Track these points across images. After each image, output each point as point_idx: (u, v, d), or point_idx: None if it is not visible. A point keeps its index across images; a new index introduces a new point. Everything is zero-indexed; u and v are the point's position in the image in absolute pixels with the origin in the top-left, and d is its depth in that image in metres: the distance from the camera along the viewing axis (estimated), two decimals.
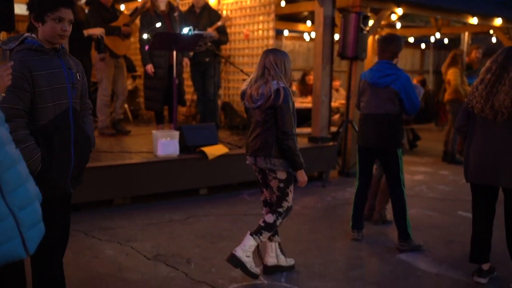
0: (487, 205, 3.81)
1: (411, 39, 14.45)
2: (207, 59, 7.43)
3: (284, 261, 3.95)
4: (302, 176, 3.71)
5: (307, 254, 4.36)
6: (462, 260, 4.27)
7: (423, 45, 15.67)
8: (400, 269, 4.10)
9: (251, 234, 3.74)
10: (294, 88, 9.95)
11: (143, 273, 3.87)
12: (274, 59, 3.62)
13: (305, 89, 9.74)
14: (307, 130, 7.85)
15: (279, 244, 3.97)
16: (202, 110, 7.81)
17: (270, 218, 3.75)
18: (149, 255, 4.23)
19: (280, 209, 3.75)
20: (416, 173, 7.77)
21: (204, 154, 6.00)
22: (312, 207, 5.87)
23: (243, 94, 3.75)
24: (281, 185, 3.72)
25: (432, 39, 13.80)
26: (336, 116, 9.26)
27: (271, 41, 7.79)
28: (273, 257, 3.91)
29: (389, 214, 5.36)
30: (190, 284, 3.70)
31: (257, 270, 3.77)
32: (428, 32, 12.58)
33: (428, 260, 4.29)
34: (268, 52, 3.67)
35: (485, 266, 3.83)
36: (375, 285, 3.78)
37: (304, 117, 8.97)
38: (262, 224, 3.75)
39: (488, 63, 3.73)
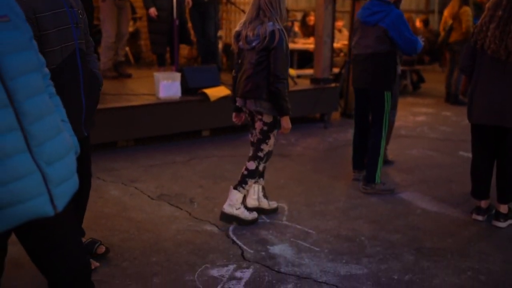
0: (488, 145, 3.82)
1: None
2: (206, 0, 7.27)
3: (266, 204, 3.97)
4: (286, 122, 3.65)
5: (309, 193, 4.43)
6: (461, 199, 4.34)
7: None
8: (400, 208, 4.17)
9: (234, 188, 3.75)
10: (296, 29, 9.78)
11: (147, 213, 3.95)
12: (269, 0, 3.54)
13: (307, 31, 9.57)
14: (309, 71, 7.78)
15: (263, 188, 3.98)
16: (203, 52, 7.71)
17: (251, 165, 3.75)
18: (153, 195, 4.30)
19: (260, 154, 3.73)
20: (418, 114, 7.76)
21: (206, 96, 5.98)
22: (313, 148, 5.90)
23: (237, 35, 3.68)
24: (265, 128, 3.70)
25: None
26: (339, 57, 9.15)
27: None
28: (255, 199, 3.94)
29: (390, 154, 5.40)
30: (193, 223, 3.78)
31: (253, 215, 3.81)
32: None
33: (428, 199, 4.35)
34: None
35: (484, 204, 3.89)
36: (375, 223, 3.85)
37: (307, 58, 8.88)
38: (245, 173, 3.76)
39: None
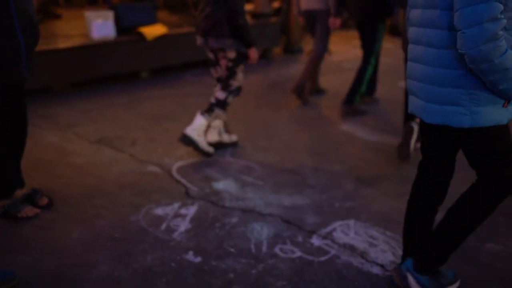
0: None
1: None
2: None
3: (227, 138, 4.00)
4: (253, 53, 3.71)
5: (252, 129, 4.43)
6: (400, 129, 4.45)
7: None
8: (341, 139, 4.25)
9: (202, 113, 3.74)
10: None
11: (87, 156, 3.85)
12: None
13: None
14: (248, 6, 7.61)
15: (224, 123, 3.99)
16: None
17: (221, 94, 3.76)
18: (92, 139, 4.19)
19: (230, 88, 3.76)
20: (359, 47, 7.78)
21: (142, 35, 5.78)
22: (257, 85, 5.87)
23: None
24: (230, 64, 3.71)
25: None
26: None
27: None
28: (215, 134, 3.95)
29: (326, 85, 5.45)
30: (135, 164, 3.72)
31: (210, 149, 3.82)
32: None
33: (368, 130, 4.45)
34: None
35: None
36: (317, 155, 3.91)
37: None
38: (213, 101, 3.77)
39: None
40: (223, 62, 3.73)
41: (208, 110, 3.77)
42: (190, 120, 4.63)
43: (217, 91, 3.81)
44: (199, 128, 3.75)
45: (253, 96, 5.47)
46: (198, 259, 2.59)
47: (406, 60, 2.77)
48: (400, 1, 3.89)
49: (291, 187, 3.40)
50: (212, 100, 3.79)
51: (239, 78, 3.77)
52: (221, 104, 3.78)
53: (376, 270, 2.53)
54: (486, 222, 2.94)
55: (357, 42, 8.03)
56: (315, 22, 5.03)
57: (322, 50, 5.07)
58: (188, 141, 3.75)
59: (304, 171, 3.64)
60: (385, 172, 3.63)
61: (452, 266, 2.52)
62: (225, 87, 3.77)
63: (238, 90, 3.82)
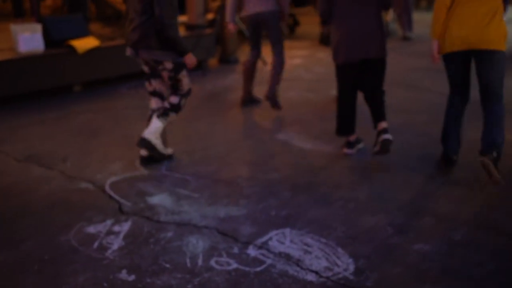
0: (353, 82, 4.01)
1: None
2: None
3: (161, 147, 3.93)
4: (189, 59, 3.72)
5: (188, 141, 4.40)
6: (334, 136, 4.54)
7: None
8: (276, 148, 4.29)
9: (157, 117, 3.76)
10: None
11: (14, 176, 3.70)
12: None
13: None
14: (183, 18, 7.58)
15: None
16: (69, 2, 7.19)
17: (175, 99, 3.79)
18: (20, 157, 4.03)
19: (181, 92, 3.82)
20: (294, 57, 7.93)
21: (73, 48, 5.63)
22: (193, 96, 5.80)
23: None
24: (171, 74, 3.73)
25: None
26: (214, 2, 9.01)
27: None
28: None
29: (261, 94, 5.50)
30: (66, 182, 3.61)
31: (168, 151, 3.89)
32: None
33: (303, 138, 4.51)
34: None
35: (352, 138, 4.12)
36: (253, 165, 3.93)
37: (180, 5, 8.62)
38: (168, 106, 3.79)
39: None
40: (164, 74, 3.75)
41: (163, 114, 3.78)
42: (124, 133, 4.57)
43: (170, 96, 3.83)
44: (156, 131, 3.76)
45: (189, 107, 5.41)
46: (132, 277, 2.53)
47: None
48: (323, 14, 4.02)
49: (227, 198, 3.39)
50: (166, 105, 3.80)
51: (186, 82, 3.83)
52: (175, 108, 3.82)
53: (311, 277, 2.55)
54: (414, 223, 3.05)
55: (293, 53, 8.17)
56: (262, 27, 5.01)
57: (283, 53, 5.10)
58: (146, 144, 3.74)
59: (240, 181, 3.64)
60: (320, 179, 3.68)
61: (380, 267, 2.60)
62: (175, 92, 3.81)
63: (189, 92, 3.89)
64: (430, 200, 3.39)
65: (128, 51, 3.74)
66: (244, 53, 7.83)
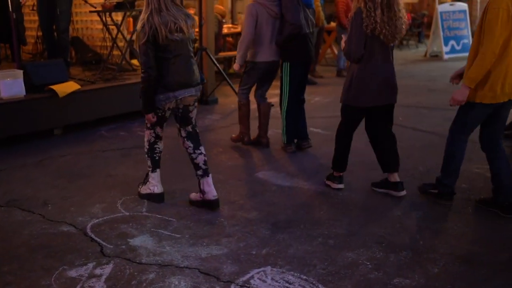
0: (357, 124, 4.13)
1: None
2: None
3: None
4: (146, 118, 3.78)
5: (169, 182, 4.43)
6: (312, 172, 4.65)
7: None
8: (256, 187, 4.35)
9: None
10: None
11: None
12: None
13: None
14: None
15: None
16: (50, 47, 7.28)
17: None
18: (1, 202, 4.02)
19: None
20: (272, 96, 8.05)
21: (54, 92, 5.69)
22: (171, 137, 5.87)
23: None
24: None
25: None
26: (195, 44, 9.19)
27: None
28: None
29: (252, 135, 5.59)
30: (48, 226, 3.61)
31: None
32: None
33: (282, 176, 4.59)
34: None
35: (337, 174, 4.22)
36: (234, 204, 3.98)
37: None
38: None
39: None
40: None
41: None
42: (105, 175, 4.59)
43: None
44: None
45: (169, 148, 5.48)
46: None
47: None
48: (358, 58, 3.84)
49: (208, 237, 3.43)
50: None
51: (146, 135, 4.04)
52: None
53: None
54: (392, 257, 3.12)
55: (271, 90, 8.31)
56: (274, 73, 5.26)
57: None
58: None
59: (221, 221, 3.69)
60: (299, 217, 3.75)
61: None
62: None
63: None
64: (408, 234, 3.47)
65: None
66: (222, 94, 7.97)
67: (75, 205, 3.96)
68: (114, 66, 7.05)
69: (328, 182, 4.29)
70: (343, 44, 3.94)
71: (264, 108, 5.40)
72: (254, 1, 4.98)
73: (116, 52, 7.33)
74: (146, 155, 4.01)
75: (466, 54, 12.28)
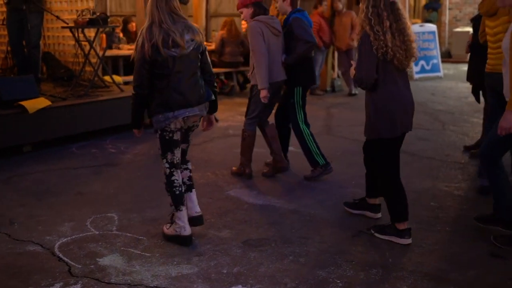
0: (398, 157, 3.73)
1: None
2: (24, 7, 6.74)
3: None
4: (134, 133, 3.71)
5: (139, 200, 4.40)
6: (284, 190, 4.67)
7: None
8: (228, 204, 4.34)
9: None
10: (121, 35, 9.60)
11: None
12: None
13: (129, 37, 9.48)
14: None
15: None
16: (20, 62, 7.18)
17: None
18: None
19: None
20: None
21: (23, 108, 5.61)
22: (144, 154, 5.87)
23: None
24: None
25: None
26: None
27: None
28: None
29: (218, 154, 5.58)
30: (13, 245, 3.53)
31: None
32: None
33: (254, 194, 4.60)
34: None
35: (401, 226, 3.66)
36: (205, 221, 3.94)
37: (133, 64, 8.76)
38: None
39: (363, 12, 3.50)
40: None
41: None
42: (75, 193, 4.53)
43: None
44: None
45: (140, 166, 5.45)
46: None
47: None
48: (371, 83, 3.55)
49: (179, 256, 3.40)
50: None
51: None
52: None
53: None
54: (362, 275, 3.13)
55: (243, 109, 8.36)
56: (280, 93, 5.04)
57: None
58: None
59: (192, 239, 3.66)
60: (270, 235, 3.75)
61: None
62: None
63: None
64: (378, 251, 3.50)
65: None
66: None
67: (43, 223, 3.88)
68: (86, 83, 6.99)
69: (391, 238, 3.65)
70: (352, 71, 3.67)
71: (271, 132, 5.03)
72: (255, 20, 4.73)
73: (88, 69, 7.27)
74: (166, 191, 3.61)
75: (436, 74, 12.59)
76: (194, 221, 3.67)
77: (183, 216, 3.55)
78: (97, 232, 3.76)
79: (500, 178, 3.65)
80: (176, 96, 3.39)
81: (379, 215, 4.02)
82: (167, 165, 3.58)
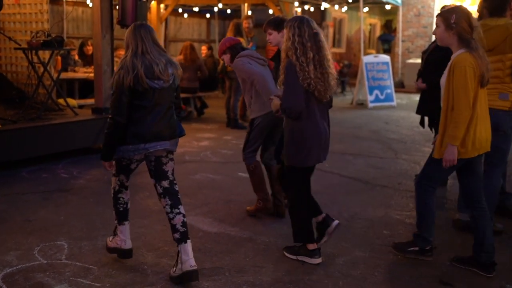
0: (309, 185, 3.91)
1: (195, 9, 14.79)
2: None
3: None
4: (103, 165, 3.53)
5: (90, 227, 4.29)
6: (239, 218, 4.65)
7: (208, 15, 16.17)
8: None
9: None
10: (77, 57, 9.47)
11: None
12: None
13: (85, 60, 9.38)
14: (91, 101, 7.60)
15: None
16: None
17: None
18: None
19: None
20: (202, 139, 8.10)
21: None
22: (98, 180, 5.74)
23: None
24: None
25: (216, 9, 14.32)
26: None
27: (45, 6, 7.24)
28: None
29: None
30: None
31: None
32: (211, 2, 13.01)
33: (208, 221, 4.56)
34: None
35: (318, 245, 3.85)
36: (158, 250, 3.89)
37: (89, 87, 8.66)
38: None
39: (290, 40, 3.54)
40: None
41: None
42: (23, 220, 4.37)
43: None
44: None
45: (93, 192, 5.33)
46: None
47: None
48: (299, 113, 3.59)
49: (130, 286, 3.32)
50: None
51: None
52: None
53: None
54: None
55: (201, 135, 8.35)
56: (281, 125, 4.59)
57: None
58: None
59: (144, 268, 3.59)
60: (224, 263, 3.71)
61: None
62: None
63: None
64: (330, 280, 3.52)
65: None
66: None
67: None
68: (39, 105, 6.83)
69: (303, 258, 3.79)
70: (276, 101, 3.71)
71: (277, 172, 4.72)
72: (238, 57, 4.59)
73: (42, 91, 7.11)
74: (113, 206, 3.68)
75: (390, 103, 13.00)
76: (188, 276, 3.31)
77: (125, 230, 3.66)
78: (45, 261, 3.63)
79: (432, 200, 3.81)
80: (153, 129, 3.35)
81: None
82: (118, 183, 3.65)
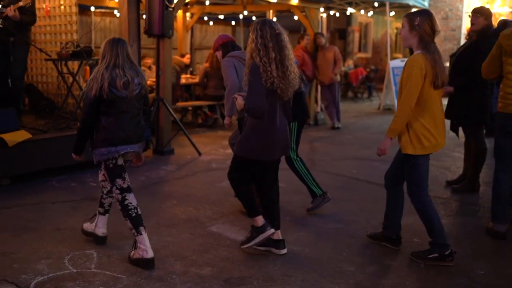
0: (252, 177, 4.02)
1: (221, 16, 14.88)
2: (11, 39, 6.69)
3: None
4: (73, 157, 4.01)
5: (118, 237, 4.31)
6: None
7: (233, 22, 16.24)
8: (210, 241, 4.27)
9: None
10: None
11: None
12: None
13: None
14: None
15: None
16: (2, 94, 7.09)
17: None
18: None
19: None
20: (228, 147, 8.04)
21: (3, 141, 5.53)
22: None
23: None
24: None
25: (241, 16, 14.38)
26: (152, 94, 9.18)
27: (74, 18, 7.36)
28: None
29: (203, 188, 5.52)
30: None
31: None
32: (236, 10, 13.06)
33: (236, 229, 4.54)
34: None
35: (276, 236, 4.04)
36: (186, 259, 3.89)
37: None
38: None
39: (253, 42, 3.66)
40: None
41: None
42: (53, 229, 4.43)
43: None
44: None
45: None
46: None
47: None
48: (262, 112, 3.75)
49: None
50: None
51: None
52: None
53: None
54: None
55: (225, 141, 8.35)
56: None
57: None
58: None
59: (173, 277, 3.59)
60: (252, 273, 3.69)
61: None
62: None
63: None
64: None
65: None
66: (178, 144, 7.93)
67: (18, 261, 3.78)
68: (69, 115, 6.93)
69: (269, 249, 4.03)
70: (240, 102, 3.76)
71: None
72: (226, 57, 4.79)
73: (71, 101, 7.23)
74: (124, 217, 3.83)
75: None
76: (98, 240, 4.16)
77: (144, 240, 3.74)
78: (75, 270, 3.67)
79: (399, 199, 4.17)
80: (120, 133, 3.73)
81: (283, 251, 4.04)
82: (118, 192, 3.84)
